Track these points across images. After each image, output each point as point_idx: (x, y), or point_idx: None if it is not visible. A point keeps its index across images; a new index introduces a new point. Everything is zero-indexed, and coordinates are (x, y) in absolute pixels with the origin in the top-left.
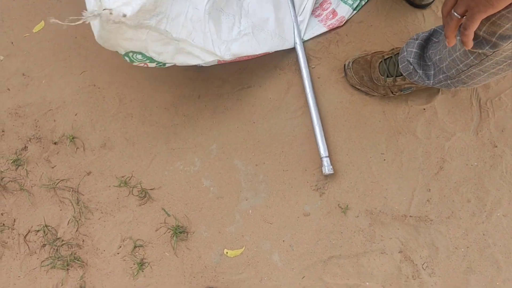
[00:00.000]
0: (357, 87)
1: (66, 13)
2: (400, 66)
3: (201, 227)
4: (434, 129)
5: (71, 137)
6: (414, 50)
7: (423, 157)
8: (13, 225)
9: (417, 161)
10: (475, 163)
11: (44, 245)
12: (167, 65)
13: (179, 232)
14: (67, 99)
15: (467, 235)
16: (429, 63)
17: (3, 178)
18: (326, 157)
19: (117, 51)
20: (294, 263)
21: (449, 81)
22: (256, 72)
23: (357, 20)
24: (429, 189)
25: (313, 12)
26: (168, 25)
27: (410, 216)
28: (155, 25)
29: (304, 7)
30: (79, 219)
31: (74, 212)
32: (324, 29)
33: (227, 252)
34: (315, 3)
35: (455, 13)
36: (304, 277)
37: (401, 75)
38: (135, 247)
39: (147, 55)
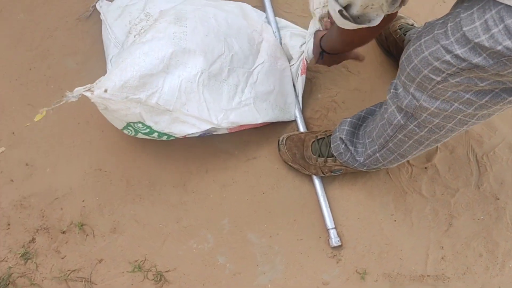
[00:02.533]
0: (289, 163)
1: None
2: (332, 146)
3: None
4: (438, 186)
5: (79, 225)
6: (346, 128)
7: (432, 215)
8: None
9: (427, 220)
10: (482, 217)
11: None
12: (170, 137)
13: None
14: (73, 186)
15: None
16: (361, 141)
17: (12, 274)
18: (332, 228)
19: (121, 128)
20: None
21: (377, 154)
22: (261, 143)
23: (352, 87)
24: (442, 247)
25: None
26: (161, 99)
27: (428, 276)
28: (145, 100)
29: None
30: None
31: None
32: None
33: None
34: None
35: None
36: None
37: (332, 156)
38: None
39: (146, 124)
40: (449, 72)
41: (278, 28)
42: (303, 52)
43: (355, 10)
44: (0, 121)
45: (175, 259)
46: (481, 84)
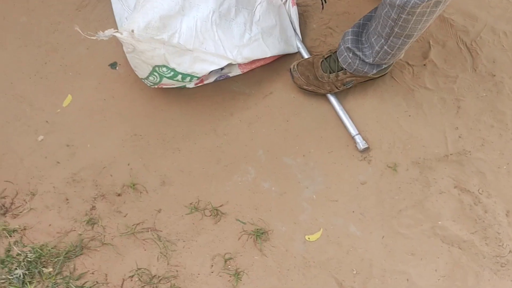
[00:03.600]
0: (304, 87)
1: (86, 86)
2: (340, 60)
3: (277, 224)
4: (439, 77)
5: (132, 185)
6: (350, 37)
7: (440, 103)
8: (106, 279)
9: (437, 108)
10: (484, 94)
11: (143, 287)
12: (192, 78)
13: (260, 234)
14: (116, 154)
15: (503, 154)
16: (366, 45)
17: (83, 239)
18: (357, 134)
19: (146, 75)
20: (370, 227)
21: (385, 47)
22: (273, 79)
23: (341, 12)
24: (456, 127)
25: None
26: (181, 38)
27: (451, 154)
28: (168, 40)
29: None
30: (166, 253)
31: (159, 248)
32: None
33: (308, 238)
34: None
35: None
36: (383, 236)
37: (342, 69)
38: (225, 261)
39: (170, 66)
40: None
41: None
42: None
43: None
44: (32, 115)
45: (225, 194)
46: None
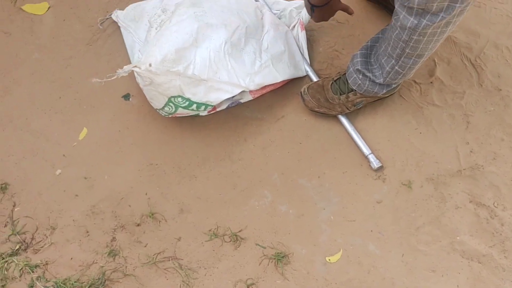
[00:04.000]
0: (315, 110)
1: (101, 118)
2: (349, 81)
3: (296, 247)
4: (447, 94)
5: (150, 214)
6: (359, 59)
7: (450, 119)
8: None
9: (447, 124)
10: (492, 108)
11: None
12: (207, 107)
13: (280, 257)
14: (133, 184)
15: None
16: (375, 65)
17: (106, 271)
18: (369, 154)
19: (162, 106)
20: (389, 246)
21: (396, 67)
22: (283, 103)
23: (346, 35)
24: (468, 142)
25: None
26: (196, 69)
27: (464, 169)
28: (183, 71)
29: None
30: (188, 282)
31: (181, 277)
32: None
33: (329, 259)
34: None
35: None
36: (403, 254)
37: (352, 90)
38: (248, 286)
39: (185, 96)
40: None
41: (268, 5)
42: (299, 14)
43: None
44: (48, 149)
45: (243, 219)
46: None
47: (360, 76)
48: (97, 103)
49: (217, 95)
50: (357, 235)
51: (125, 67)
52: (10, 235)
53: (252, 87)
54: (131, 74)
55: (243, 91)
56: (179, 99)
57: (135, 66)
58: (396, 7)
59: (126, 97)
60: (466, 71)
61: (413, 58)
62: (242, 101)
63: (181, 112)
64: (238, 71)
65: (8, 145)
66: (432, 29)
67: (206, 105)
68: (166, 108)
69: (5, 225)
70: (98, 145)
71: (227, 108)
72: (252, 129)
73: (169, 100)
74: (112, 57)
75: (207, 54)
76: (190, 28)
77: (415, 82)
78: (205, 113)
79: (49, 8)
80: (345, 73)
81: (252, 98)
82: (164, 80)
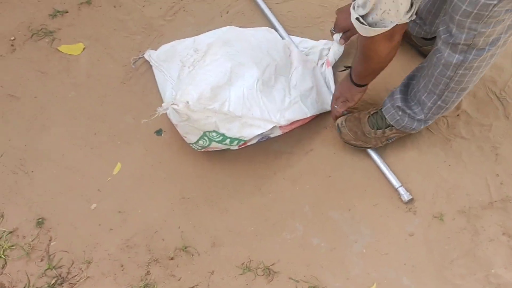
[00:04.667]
0: (351, 142)
1: (134, 153)
2: (387, 117)
3: (330, 280)
4: (474, 127)
5: (183, 248)
6: (398, 96)
7: (478, 151)
8: None
9: (476, 156)
10: None
11: None
12: (239, 142)
13: None
14: (166, 217)
15: None
16: (413, 102)
17: None
18: (400, 186)
19: (196, 140)
20: (423, 279)
21: (439, 102)
22: (312, 137)
23: None
24: (497, 174)
25: None
26: (231, 106)
27: (495, 201)
28: (219, 108)
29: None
30: None
31: None
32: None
33: None
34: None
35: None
36: None
37: (389, 126)
38: None
39: (220, 132)
40: None
41: (295, 43)
42: (326, 52)
43: (375, 14)
44: (84, 184)
45: (275, 252)
46: None
47: (400, 113)
48: (130, 139)
49: (250, 130)
50: (391, 268)
51: (163, 105)
52: (46, 269)
53: (282, 122)
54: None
55: (273, 127)
56: (214, 133)
57: (174, 104)
58: (438, 45)
59: (159, 132)
60: (492, 104)
61: (457, 92)
62: (271, 136)
63: (214, 146)
64: (270, 108)
65: (45, 180)
66: (478, 62)
67: (239, 140)
68: (200, 142)
69: (41, 260)
70: (131, 180)
71: (257, 142)
72: (281, 162)
73: (204, 135)
74: (145, 94)
75: (241, 92)
76: (224, 67)
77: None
78: (236, 147)
79: (84, 48)
80: (381, 108)
81: (281, 133)
82: (200, 116)
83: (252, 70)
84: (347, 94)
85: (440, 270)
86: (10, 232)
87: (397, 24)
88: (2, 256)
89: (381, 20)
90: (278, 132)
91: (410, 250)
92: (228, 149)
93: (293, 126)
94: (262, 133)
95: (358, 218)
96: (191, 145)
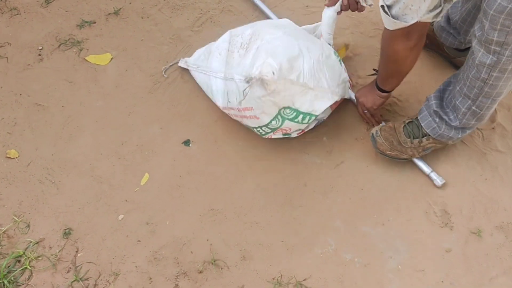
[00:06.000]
0: (387, 152)
1: (162, 164)
2: (423, 125)
3: None
4: (510, 140)
5: (212, 261)
6: (434, 101)
7: None
8: None
9: None
10: None
11: None
12: (311, 118)
13: None
14: (194, 230)
15: None
16: (449, 109)
17: None
18: (431, 172)
19: (270, 119)
20: None
21: (473, 107)
22: (342, 148)
23: (403, 81)
24: None
25: None
26: (305, 78)
27: None
28: (296, 79)
29: None
30: None
31: None
32: None
33: None
34: None
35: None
36: None
37: (425, 135)
38: None
39: (294, 107)
40: None
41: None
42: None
43: (398, 8)
44: (112, 194)
45: (307, 267)
46: None
47: (437, 119)
48: (158, 149)
49: (321, 103)
50: (428, 286)
51: (245, 77)
52: (73, 281)
53: (337, 98)
54: (192, 120)
55: (327, 108)
56: (288, 110)
57: (264, 75)
58: (473, 45)
59: (187, 143)
60: None
61: (491, 97)
62: (325, 118)
63: (285, 126)
64: (332, 80)
65: (72, 190)
66: None
67: (311, 116)
68: (272, 122)
69: (68, 271)
70: (159, 190)
71: (314, 127)
72: (311, 174)
73: (279, 113)
74: (172, 104)
75: (311, 64)
76: (291, 41)
77: (477, 128)
78: (295, 134)
79: (112, 59)
80: (417, 117)
81: (331, 112)
82: (282, 87)
83: (314, 45)
84: (368, 96)
85: (480, 287)
86: (37, 243)
87: (417, 22)
88: (28, 267)
89: (403, 15)
90: (328, 112)
91: (448, 267)
92: (289, 137)
93: (335, 106)
94: (317, 117)
95: (392, 233)
96: (258, 130)
